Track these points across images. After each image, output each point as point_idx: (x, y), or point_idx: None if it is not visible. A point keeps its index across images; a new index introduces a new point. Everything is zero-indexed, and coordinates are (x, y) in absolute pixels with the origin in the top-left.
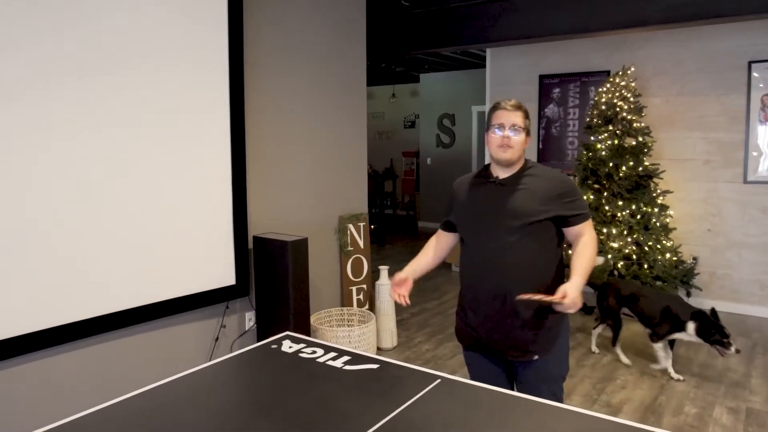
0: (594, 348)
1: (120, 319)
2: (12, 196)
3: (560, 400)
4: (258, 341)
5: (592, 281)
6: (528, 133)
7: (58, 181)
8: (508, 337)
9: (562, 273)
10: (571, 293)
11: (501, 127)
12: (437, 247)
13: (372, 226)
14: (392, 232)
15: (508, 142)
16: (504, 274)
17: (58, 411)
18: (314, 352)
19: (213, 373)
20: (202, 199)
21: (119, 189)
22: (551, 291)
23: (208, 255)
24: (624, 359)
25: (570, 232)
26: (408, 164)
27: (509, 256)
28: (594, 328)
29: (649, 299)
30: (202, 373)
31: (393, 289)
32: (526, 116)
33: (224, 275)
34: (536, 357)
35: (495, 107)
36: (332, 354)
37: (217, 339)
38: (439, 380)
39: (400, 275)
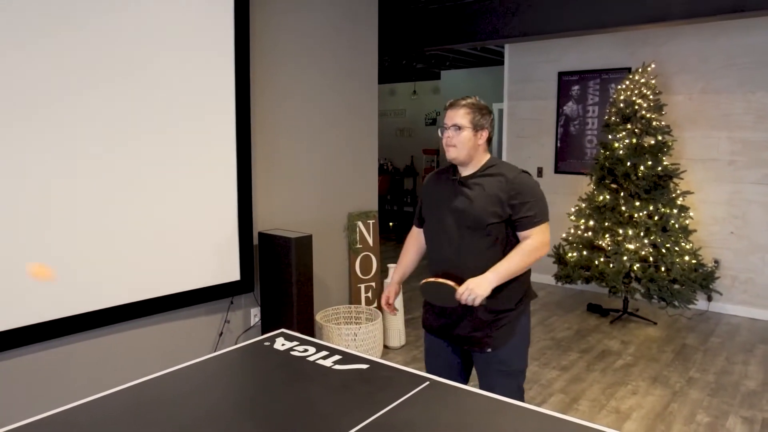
0: None
1: (124, 312)
2: (29, 195)
3: (521, 397)
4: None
5: None
6: (480, 129)
7: (67, 179)
8: (464, 332)
9: (520, 275)
10: (470, 284)
11: (444, 127)
12: (417, 245)
13: (391, 224)
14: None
15: (450, 141)
16: (458, 275)
17: (61, 399)
18: (306, 350)
19: (200, 371)
20: (207, 195)
21: (126, 185)
22: (506, 291)
23: (212, 250)
24: None
25: (519, 235)
26: (428, 161)
27: (463, 257)
28: None
29: None
30: (190, 370)
31: (383, 297)
32: (476, 111)
33: (229, 271)
34: (489, 350)
35: (445, 107)
36: (324, 353)
37: (221, 334)
38: (427, 382)
39: (390, 287)
